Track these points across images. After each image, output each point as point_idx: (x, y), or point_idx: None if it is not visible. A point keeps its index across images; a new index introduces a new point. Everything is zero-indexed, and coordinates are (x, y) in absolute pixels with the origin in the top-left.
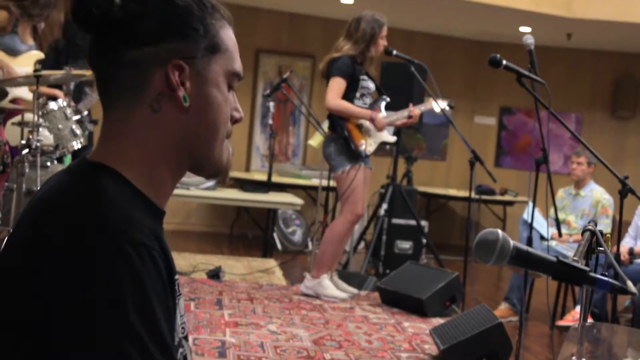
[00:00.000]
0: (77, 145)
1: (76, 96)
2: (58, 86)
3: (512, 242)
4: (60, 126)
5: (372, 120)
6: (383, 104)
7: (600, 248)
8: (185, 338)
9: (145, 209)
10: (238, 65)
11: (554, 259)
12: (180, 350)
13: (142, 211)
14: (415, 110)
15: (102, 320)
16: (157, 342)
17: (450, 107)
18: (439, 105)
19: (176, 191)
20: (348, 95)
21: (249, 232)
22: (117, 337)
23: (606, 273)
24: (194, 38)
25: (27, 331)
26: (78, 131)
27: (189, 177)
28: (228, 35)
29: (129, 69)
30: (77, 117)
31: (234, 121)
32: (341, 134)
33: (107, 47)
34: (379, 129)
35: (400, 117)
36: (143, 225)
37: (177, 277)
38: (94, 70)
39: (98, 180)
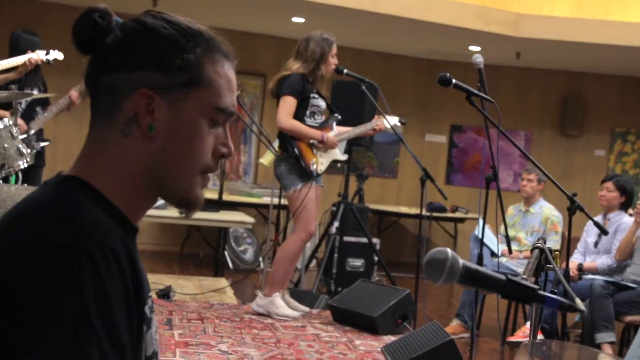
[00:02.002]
0: (23, 164)
1: (27, 115)
2: (7, 105)
3: (461, 261)
4: (5, 145)
5: (322, 141)
6: (334, 123)
7: (549, 265)
8: (156, 355)
9: (116, 218)
10: (225, 101)
11: (503, 277)
12: None
13: (113, 219)
14: (382, 124)
15: (62, 319)
16: (113, 343)
17: (402, 122)
18: (389, 122)
19: None
20: (298, 114)
21: (200, 251)
22: (76, 336)
23: (555, 290)
24: (170, 70)
25: None
26: (25, 150)
27: None
28: (218, 70)
29: (105, 93)
30: (24, 136)
31: (221, 156)
32: (292, 153)
33: (92, 69)
34: (330, 147)
35: (354, 132)
36: (111, 229)
37: (150, 294)
38: (86, 84)
39: (70, 189)
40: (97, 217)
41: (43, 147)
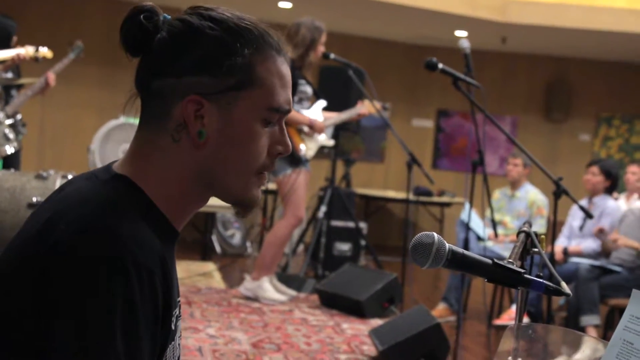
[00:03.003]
0: (10, 150)
1: (3, 99)
2: None
3: (447, 245)
4: None
5: (310, 126)
6: (320, 108)
7: (535, 249)
8: (178, 358)
9: (159, 228)
10: (278, 100)
11: (489, 261)
12: None
13: (155, 230)
14: (366, 109)
15: (85, 334)
16: (131, 357)
17: (385, 108)
18: (374, 105)
19: None
20: None
21: (187, 235)
22: (99, 354)
23: (541, 274)
24: (218, 74)
25: (16, 327)
26: (11, 135)
27: None
28: (270, 68)
29: (154, 98)
30: (10, 121)
31: (277, 154)
32: None
33: (141, 73)
34: (318, 132)
35: (340, 118)
36: (152, 248)
37: (179, 299)
38: (136, 84)
39: (117, 192)
40: (139, 232)
41: None
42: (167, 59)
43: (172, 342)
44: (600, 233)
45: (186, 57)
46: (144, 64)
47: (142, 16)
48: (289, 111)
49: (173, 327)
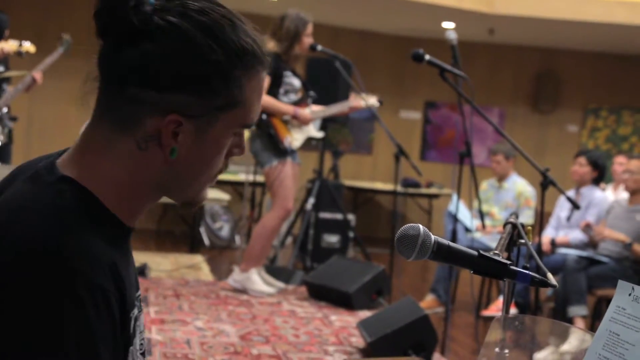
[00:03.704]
0: None
1: None
2: None
3: (433, 237)
4: None
5: (295, 116)
6: (310, 101)
7: (522, 240)
8: (143, 354)
9: (110, 230)
10: (252, 117)
11: (475, 253)
12: None
13: (105, 234)
14: (359, 102)
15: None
16: None
17: (380, 102)
18: (367, 101)
19: None
20: (272, 92)
21: (175, 228)
22: None
23: (527, 265)
24: (205, 97)
25: None
26: None
27: None
28: (254, 87)
29: (128, 103)
30: None
31: (232, 156)
32: (265, 130)
33: (116, 66)
34: (304, 123)
35: (330, 111)
36: (103, 263)
37: (139, 293)
38: (100, 71)
39: (62, 198)
40: (88, 246)
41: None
42: (152, 68)
43: (131, 347)
44: (587, 228)
45: (175, 73)
46: (122, 57)
47: (130, 3)
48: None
49: (132, 331)
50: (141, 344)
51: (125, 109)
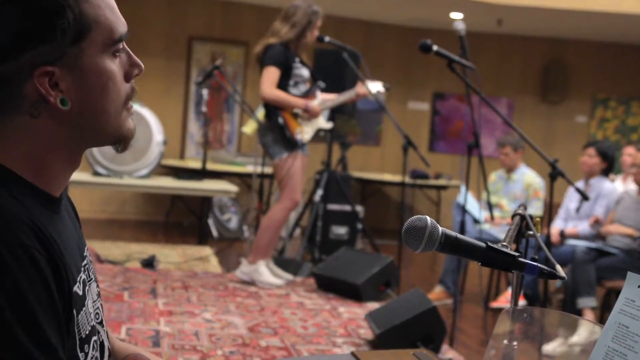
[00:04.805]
0: None
1: None
2: None
3: (440, 229)
4: None
5: (305, 110)
6: (318, 91)
7: (530, 232)
8: (100, 323)
9: (33, 198)
10: (117, 30)
11: (483, 245)
12: (94, 338)
13: (28, 202)
14: (365, 90)
15: None
16: (39, 345)
17: (386, 88)
18: (373, 88)
19: (110, 180)
20: (282, 84)
21: (184, 220)
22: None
23: (536, 257)
24: (54, 36)
25: None
26: None
27: (123, 166)
28: (95, 3)
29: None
30: None
31: (135, 76)
32: (276, 123)
33: None
34: (313, 117)
35: (339, 100)
36: (22, 222)
37: (85, 263)
38: None
39: None
40: (3, 208)
41: None
42: None
43: (84, 308)
44: (596, 223)
45: (14, 36)
46: None
47: None
48: (127, 33)
49: (80, 293)
50: (97, 313)
51: (2, 95)
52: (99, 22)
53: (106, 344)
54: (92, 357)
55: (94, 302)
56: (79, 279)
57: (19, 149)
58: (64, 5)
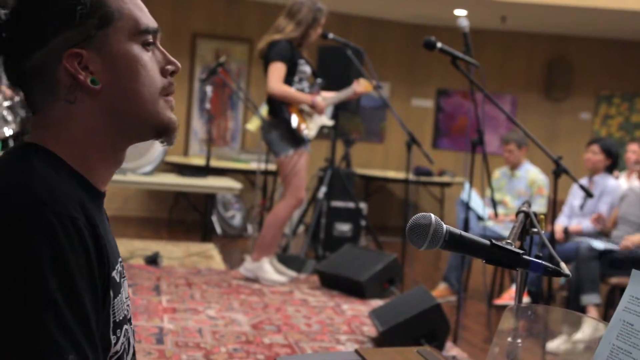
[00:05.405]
0: (8, 132)
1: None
2: None
3: (445, 227)
4: None
5: (312, 105)
6: (318, 87)
7: (534, 229)
8: (130, 320)
9: (81, 187)
10: (143, 22)
11: (488, 242)
12: (125, 327)
13: (76, 188)
14: (362, 87)
15: (19, 291)
16: (75, 312)
17: (379, 87)
18: (371, 82)
19: (113, 177)
20: (287, 80)
21: (187, 216)
22: (34, 307)
23: (540, 254)
24: (78, 21)
25: None
26: (9, 117)
27: (126, 163)
28: None
29: (34, 77)
30: (8, 102)
31: (172, 73)
32: (283, 119)
33: (7, 66)
34: (319, 112)
35: (338, 97)
36: (71, 198)
37: (120, 260)
38: (13, 84)
39: (30, 156)
40: (53, 183)
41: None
42: (24, 36)
43: (119, 295)
44: (598, 220)
45: (41, 24)
46: (6, 54)
47: None
48: (157, 29)
49: (117, 280)
50: (127, 310)
51: (38, 85)
52: (123, 13)
53: (132, 340)
54: (122, 344)
55: (126, 297)
56: (117, 267)
57: (67, 138)
58: None
